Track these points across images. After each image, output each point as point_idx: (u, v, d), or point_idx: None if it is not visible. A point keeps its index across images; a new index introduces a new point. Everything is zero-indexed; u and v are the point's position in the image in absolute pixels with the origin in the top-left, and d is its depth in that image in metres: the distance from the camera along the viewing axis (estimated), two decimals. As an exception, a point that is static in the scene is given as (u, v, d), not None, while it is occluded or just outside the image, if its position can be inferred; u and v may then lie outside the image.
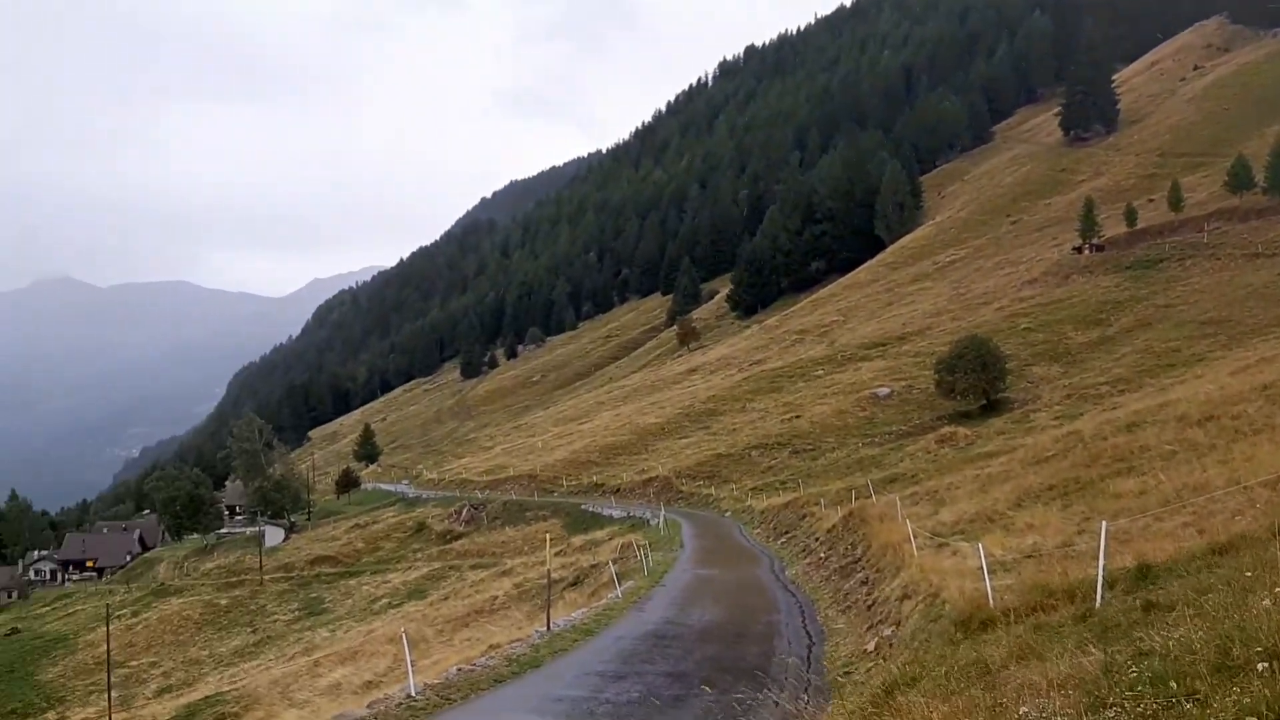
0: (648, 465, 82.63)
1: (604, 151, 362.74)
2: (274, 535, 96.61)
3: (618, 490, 77.95)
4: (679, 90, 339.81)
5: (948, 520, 28.90)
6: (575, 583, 42.70)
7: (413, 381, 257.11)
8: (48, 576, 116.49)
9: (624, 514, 65.39)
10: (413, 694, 15.34)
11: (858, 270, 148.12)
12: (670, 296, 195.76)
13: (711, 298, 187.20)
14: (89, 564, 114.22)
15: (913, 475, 51.32)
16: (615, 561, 36.67)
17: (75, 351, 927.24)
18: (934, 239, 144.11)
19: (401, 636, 16.75)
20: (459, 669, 17.71)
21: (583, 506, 73.41)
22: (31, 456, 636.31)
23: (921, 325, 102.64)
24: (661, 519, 53.76)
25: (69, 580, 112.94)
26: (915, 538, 22.20)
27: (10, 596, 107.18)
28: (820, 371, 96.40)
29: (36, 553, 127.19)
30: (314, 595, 72.72)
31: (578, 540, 59.54)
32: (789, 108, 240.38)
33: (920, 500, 37.65)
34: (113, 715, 50.38)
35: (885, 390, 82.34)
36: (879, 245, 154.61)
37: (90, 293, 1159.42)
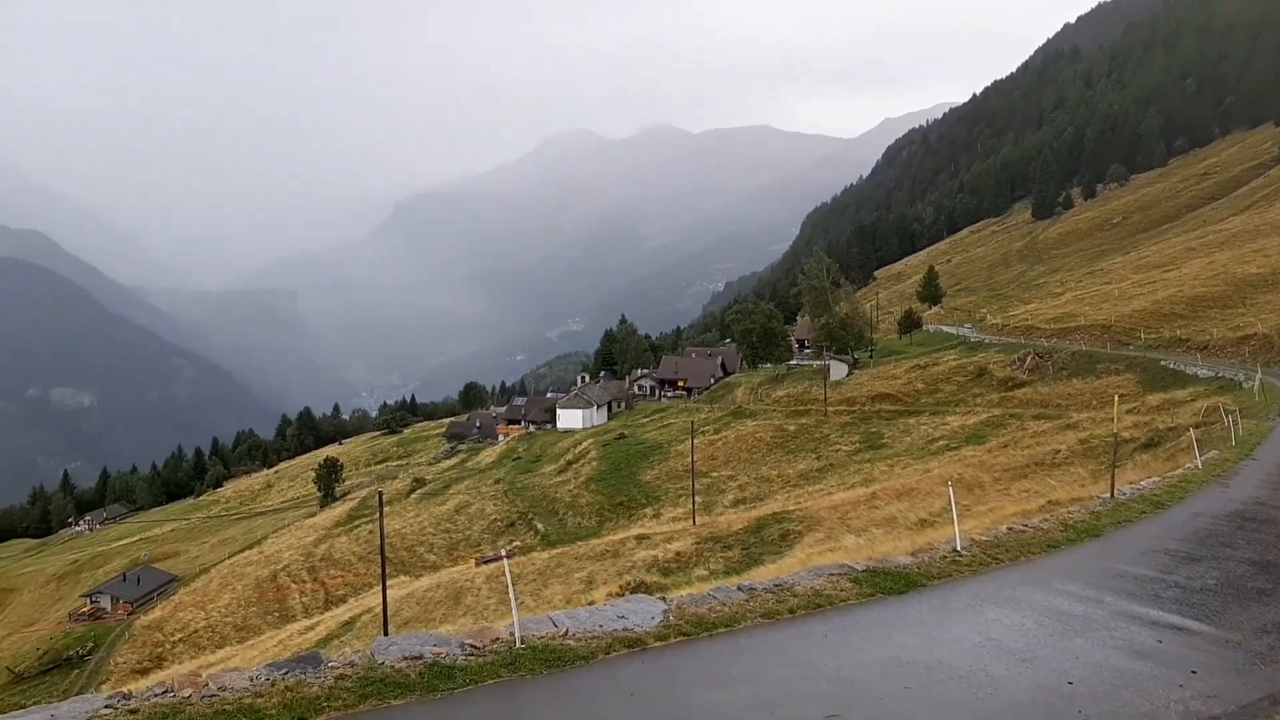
0: (1244, 321, 72.56)
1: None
2: (838, 370, 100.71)
3: (1205, 347, 69.84)
4: None
5: None
6: (1148, 445, 39.16)
7: (981, 222, 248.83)
8: (648, 392, 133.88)
9: (1211, 374, 58.42)
10: (958, 548, 15.23)
11: None
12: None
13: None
14: (680, 384, 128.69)
15: None
16: (1197, 427, 32.90)
17: (673, 193, 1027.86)
18: None
19: (949, 492, 16.58)
20: (1009, 528, 17.22)
21: (1161, 362, 66.71)
22: (636, 288, 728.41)
23: None
24: (1257, 382, 47.04)
25: (664, 396, 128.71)
26: None
27: (619, 406, 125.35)
28: None
29: (639, 370, 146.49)
30: (873, 430, 75.22)
31: (1153, 399, 54.42)
32: None
33: None
34: (696, 517, 57.29)
35: None
36: None
37: (686, 139, 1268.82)
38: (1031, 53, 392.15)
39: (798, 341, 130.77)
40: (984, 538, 16.44)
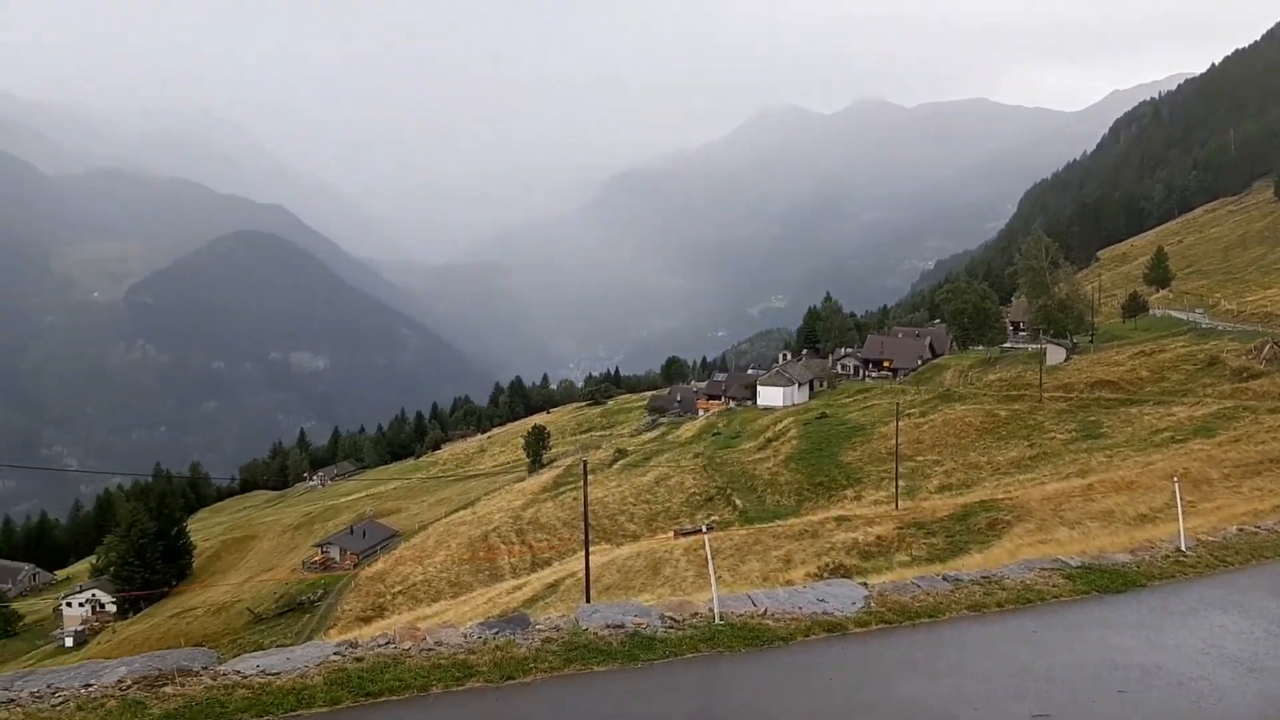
0: None
1: None
2: (1055, 354, 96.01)
3: None
4: None
5: None
6: None
7: (1216, 201, 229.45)
8: (851, 371, 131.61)
9: None
10: (1182, 548, 14.34)
11: None
12: None
13: None
14: (885, 364, 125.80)
15: None
16: None
17: (884, 169, 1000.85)
18: None
19: (1174, 487, 15.58)
20: (1239, 528, 16.05)
21: None
22: (842, 263, 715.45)
23: None
24: None
25: (868, 377, 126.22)
26: None
27: (821, 385, 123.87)
28: None
29: (843, 349, 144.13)
30: (1092, 418, 71.31)
31: None
32: None
33: None
34: (899, 502, 56.11)
35: None
36: None
37: (898, 113, 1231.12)
38: (1276, 21, 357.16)
39: (1012, 324, 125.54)
40: (1211, 538, 15.39)
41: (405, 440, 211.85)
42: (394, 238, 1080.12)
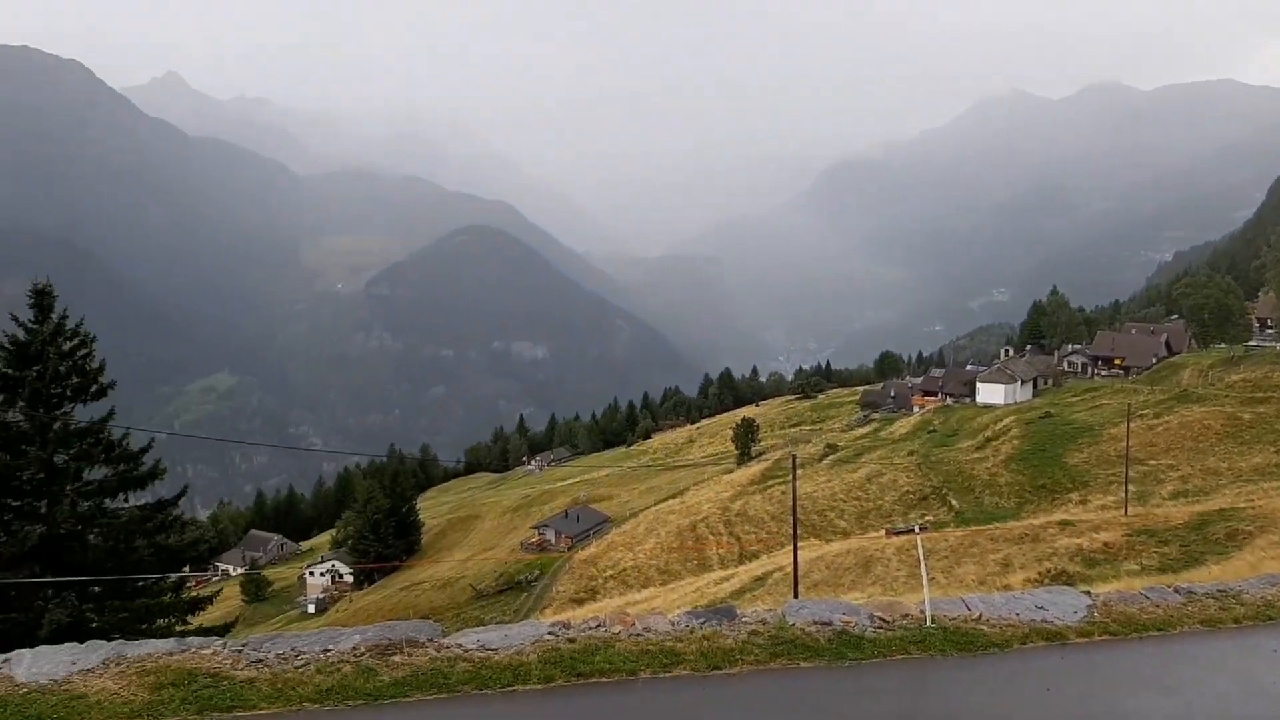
0: None
1: None
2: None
3: None
4: None
5: None
6: None
7: None
8: (1079, 369, 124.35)
9: None
10: None
11: None
12: None
13: None
14: (1116, 362, 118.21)
15: None
16: None
17: (1116, 156, 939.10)
18: None
19: None
20: None
21: None
22: (1069, 256, 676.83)
23: None
24: None
25: (1097, 374, 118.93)
26: None
27: (1045, 383, 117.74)
28: None
29: (1070, 346, 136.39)
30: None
31: None
32: None
33: None
34: (1128, 507, 52.72)
35: None
36: None
37: (1133, 96, 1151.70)
38: None
39: (1258, 320, 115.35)
40: None
41: (617, 429, 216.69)
42: (609, 232, 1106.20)
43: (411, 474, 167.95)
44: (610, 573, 77.31)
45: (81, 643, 10.41)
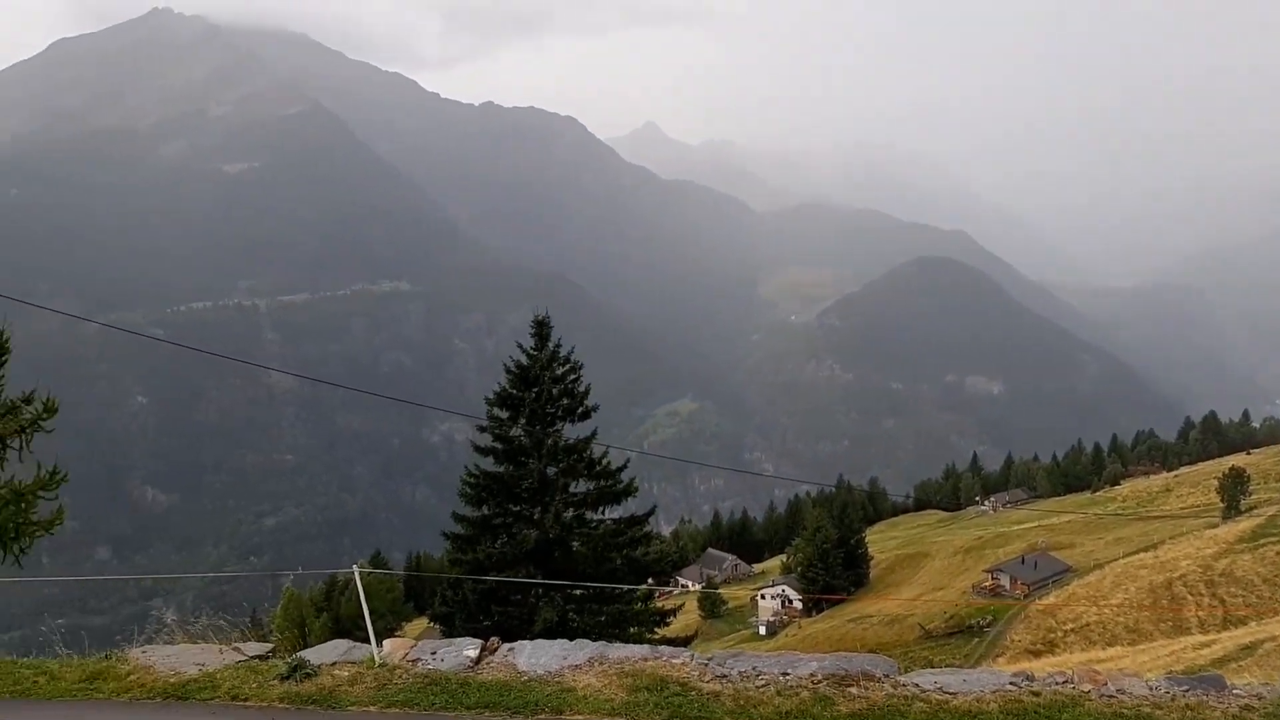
0: None
1: None
2: None
3: None
4: None
5: None
6: None
7: None
8: None
9: None
10: None
11: None
12: None
13: None
14: None
15: None
16: None
17: None
18: None
19: None
20: None
21: None
22: None
23: None
24: None
25: None
26: None
27: None
28: None
29: None
30: None
31: None
32: None
33: None
34: None
35: None
36: None
37: None
38: None
39: None
40: None
41: (1080, 472, 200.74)
42: (1074, 259, 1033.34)
43: (860, 506, 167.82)
44: (1071, 626, 71.84)
45: (570, 640, 11.90)
